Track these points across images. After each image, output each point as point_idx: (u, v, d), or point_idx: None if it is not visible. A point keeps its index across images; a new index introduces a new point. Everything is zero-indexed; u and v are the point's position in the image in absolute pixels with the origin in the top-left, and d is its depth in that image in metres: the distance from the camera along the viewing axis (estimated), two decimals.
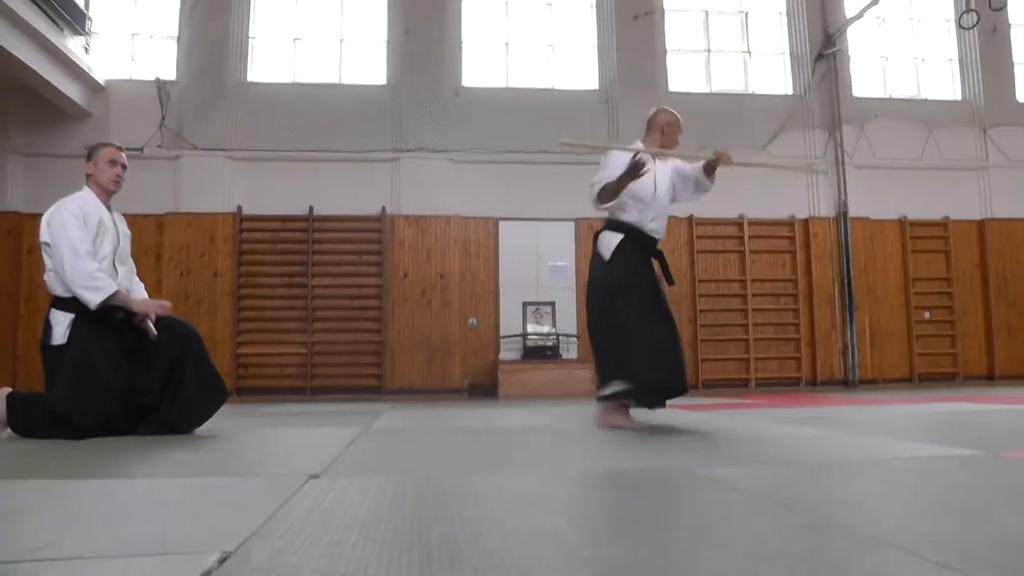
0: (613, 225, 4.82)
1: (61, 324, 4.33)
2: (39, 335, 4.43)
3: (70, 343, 4.30)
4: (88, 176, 4.62)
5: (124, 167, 4.68)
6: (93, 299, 4.29)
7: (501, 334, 12.25)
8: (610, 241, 4.77)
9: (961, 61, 14.16)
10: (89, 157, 4.62)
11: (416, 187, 12.33)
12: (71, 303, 4.35)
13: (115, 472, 3.14)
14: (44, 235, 4.36)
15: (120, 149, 4.68)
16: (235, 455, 3.67)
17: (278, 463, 3.42)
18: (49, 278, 4.40)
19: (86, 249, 4.34)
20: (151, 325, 4.47)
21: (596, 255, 4.83)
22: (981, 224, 13.52)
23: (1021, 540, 1.66)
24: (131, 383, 4.42)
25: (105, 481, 2.82)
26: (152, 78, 12.06)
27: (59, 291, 4.37)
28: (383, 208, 12.20)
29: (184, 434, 4.44)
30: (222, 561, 1.52)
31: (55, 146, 11.81)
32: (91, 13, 11.90)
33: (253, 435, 4.51)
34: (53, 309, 4.39)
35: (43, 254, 4.40)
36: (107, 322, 4.40)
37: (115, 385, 4.34)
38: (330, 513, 2.02)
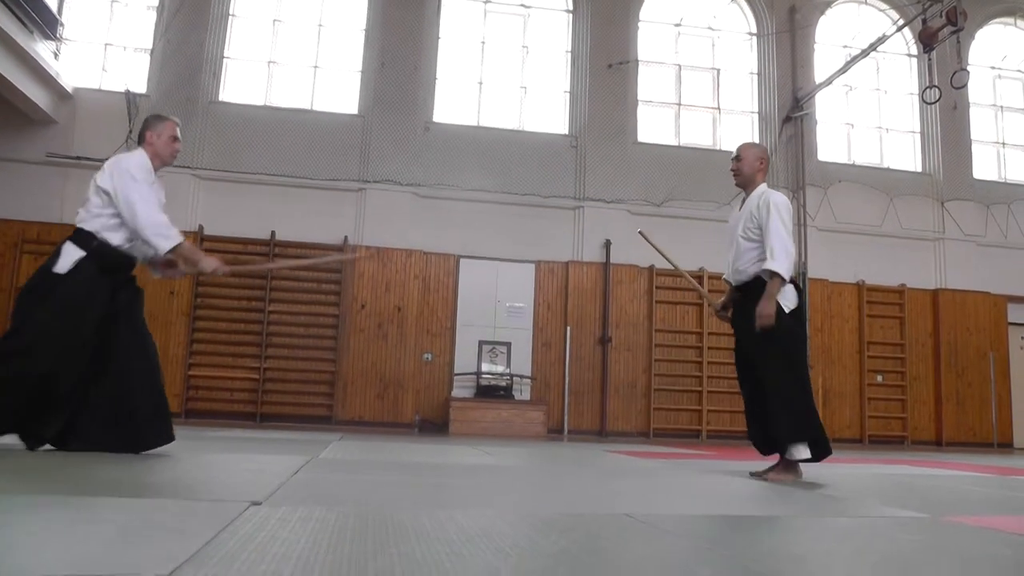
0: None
1: (71, 256, 4.41)
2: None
3: (71, 274, 4.37)
4: (147, 143, 4.76)
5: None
6: (164, 245, 4.45)
7: (455, 371, 12.18)
8: (789, 291, 4.75)
9: (923, 134, 14.53)
10: (151, 127, 4.79)
11: (380, 219, 12.30)
12: (88, 242, 4.44)
13: (49, 489, 3.05)
14: (103, 181, 4.48)
15: (178, 125, 4.89)
16: (177, 478, 3.59)
17: (220, 488, 3.34)
18: (85, 214, 4.49)
19: (157, 201, 4.55)
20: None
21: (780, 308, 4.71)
22: (935, 294, 13.79)
23: None
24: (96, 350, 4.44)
25: (36, 497, 2.73)
26: (122, 89, 11.95)
27: (89, 226, 4.45)
28: (345, 238, 12.13)
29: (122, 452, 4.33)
30: None
31: (17, 151, 11.62)
32: (64, 19, 11.81)
33: (197, 458, 4.41)
34: (69, 242, 4.46)
35: (92, 194, 4.51)
36: (114, 276, 4.53)
37: (87, 337, 4.38)
38: (268, 542, 1.98)
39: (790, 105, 13.81)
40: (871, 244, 13.70)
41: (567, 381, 12.30)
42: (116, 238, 4.48)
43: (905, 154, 14.55)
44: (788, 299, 4.70)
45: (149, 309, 11.50)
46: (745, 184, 5.03)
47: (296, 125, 12.41)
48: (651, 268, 12.73)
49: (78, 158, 11.59)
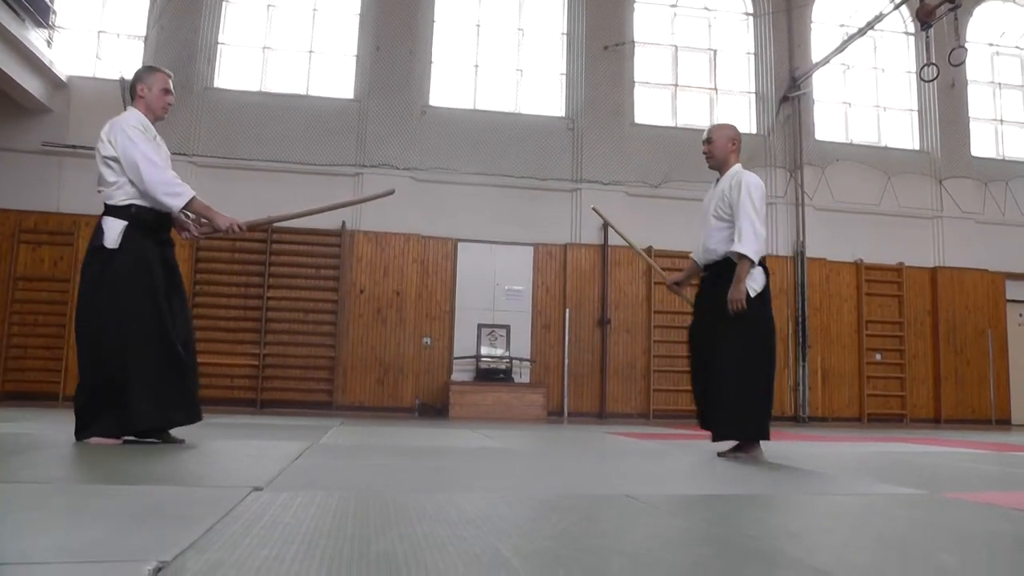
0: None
1: (114, 230, 4.39)
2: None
3: (123, 246, 4.37)
4: (138, 97, 4.70)
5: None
6: (176, 204, 4.44)
7: (455, 355, 12.20)
8: (757, 273, 4.69)
9: (920, 113, 14.50)
10: (141, 79, 4.71)
11: (377, 204, 12.24)
12: (125, 212, 4.42)
13: (51, 477, 3.06)
14: (106, 150, 4.43)
15: (170, 77, 4.81)
16: (178, 464, 3.59)
17: (221, 474, 3.35)
18: (108, 190, 4.45)
19: (160, 158, 4.51)
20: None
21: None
22: (934, 271, 13.79)
23: None
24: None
25: (39, 486, 2.74)
26: (116, 77, 11.88)
27: (119, 199, 4.43)
28: (343, 223, 12.13)
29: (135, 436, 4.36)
30: (157, 571, 1.48)
31: (12, 141, 11.59)
32: (56, 7, 11.73)
33: (198, 445, 4.42)
34: (106, 216, 4.45)
35: (103, 167, 4.45)
36: (156, 235, 4.54)
37: (159, 286, 4.42)
38: (271, 527, 1.98)
39: (787, 85, 13.77)
40: (869, 223, 13.70)
41: (566, 363, 12.32)
42: (148, 201, 4.46)
43: (903, 132, 14.53)
44: (756, 281, 4.64)
45: None
46: (718, 166, 4.99)
47: (292, 111, 12.36)
48: (649, 249, 12.72)
49: (74, 147, 11.56)
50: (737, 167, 4.93)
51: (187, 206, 4.48)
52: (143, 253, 4.41)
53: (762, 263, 4.70)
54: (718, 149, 4.97)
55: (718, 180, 4.98)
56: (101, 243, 4.38)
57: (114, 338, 4.27)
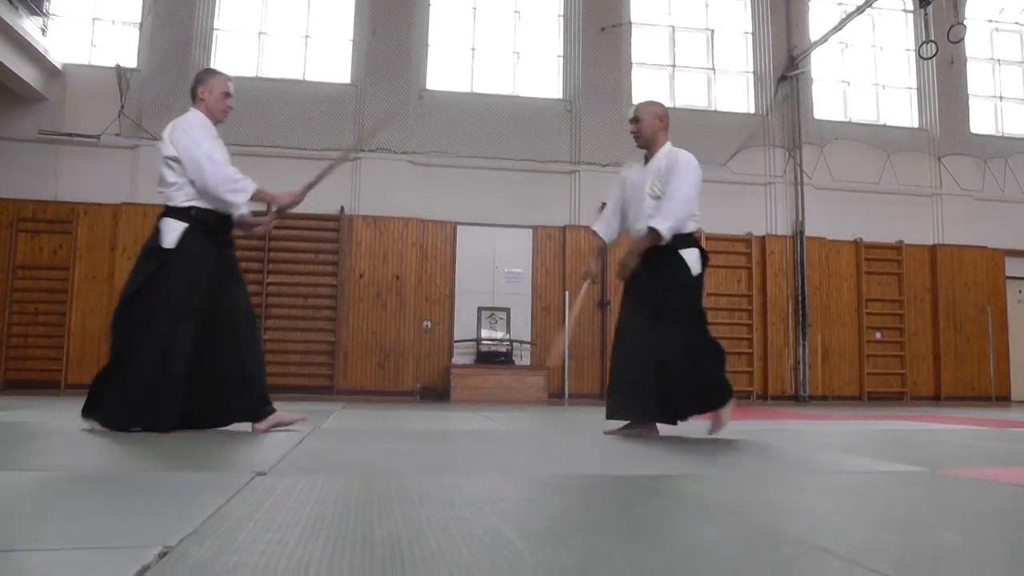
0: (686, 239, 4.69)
1: (174, 231, 4.39)
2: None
3: (181, 247, 4.37)
4: (199, 100, 4.68)
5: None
6: (239, 200, 4.48)
7: (455, 339, 12.22)
8: (693, 255, 4.67)
9: (919, 90, 14.44)
10: (202, 82, 4.70)
11: (376, 188, 12.27)
12: (185, 214, 4.41)
13: (54, 465, 3.07)
14: (168, 150, 4.42)
15: (230, 80, 4.80)
16: (181, 450, 3.61)
17: (224, 459, 3.37)
18: (169, 191, 4.45)
19: (222, 156, 4.51)
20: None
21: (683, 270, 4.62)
22: (933, 249, 13.79)
23: (956, 553, 1.68)
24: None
25: (45, 474, 2.76)
26: (112, 64, 11.84)
27: (179, 200, 4.42)
28: (342, 208, 12.12)
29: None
30: (162, 556, 1.48)
31: (8, 130, 11.56)
32: None
33: (200, 431, 4.43)
34: (165, 218, 4.44)
35: (164, 168, 4.45)
36: (217, 239, 4.54)
37: (201, 304, 4.39)
38: (274, 511, 1.99)
39: (785, 64, 13.71)
40: (868, 201, 13.67)
41: (567, 346, 12.33)
42: (209, 202, 4.47)
43: (902, 110, 14.48)
44: (694, 262, 4.61)
45: None
46: (648, 145, 4.91)
47: (289, 96, 12.32)
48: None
49: (70, 135, 11.53)
50: (668, 145, 4.86)
51: (251, 198, 4.52)
52: (200, 253, 4.41)
53: (699, 246, 4.69)
54: (646, 127, 4.87)
55: (647, 159, 4.91)
56: (159, 244, 4.38)
57: (140, 334, 4.28)
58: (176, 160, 4.40)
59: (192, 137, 4.42)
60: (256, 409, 4.47)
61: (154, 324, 4.26)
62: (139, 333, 4.28)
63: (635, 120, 4.92)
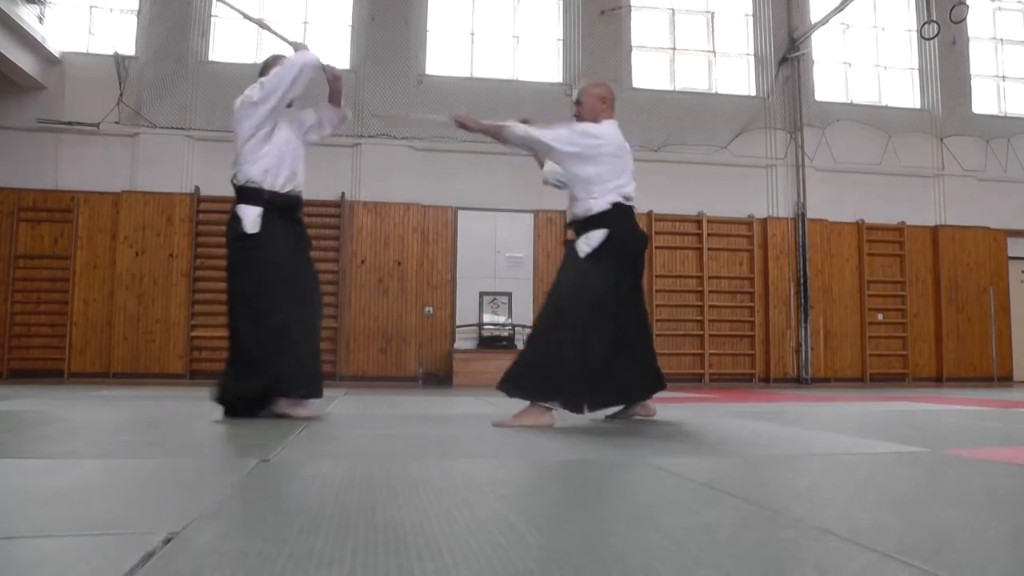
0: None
1: (250, 215, 4.48)
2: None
3: (263, 228, 4.45)
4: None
5: None
6: (309, 58, 4.88)
7: (457, 323, 12.23)
8: (596, 234, 4.66)
9: (921, 71, 14.39)
10: (271, 66, 4.93)
11: (376, 174, 12.26)
12: (259, 196, 4.51)
13: (60, 452, 3.08)
14: (241, 128, 4.66)
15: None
16: (185, 438, 3.62)
17: (228, 446, 3.39)
18: (242, 168, 4.60)
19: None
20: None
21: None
22: (935, 230, 13.77)
23: (958, 533, 1.69)
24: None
25: (51, 461, 2.77)
26: (110, 52, 11.81)
27: (251, 175, 4.55)
28: (342, 194, 12.11)
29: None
30: (167, 542, 1.49)
31: (7, 119, 11.54)
32: None
33: (204, 418, 4.44)
34: (240, 204, 4.54)
35: (240, 148, 4.65)
36: (291, 219, 4.64)
37: (302, 270, 4.58)
38: (277, 497, 2.00)
39: (786, 46, 13.65)
40: (870, 183, 13.65)
41: None
42: (281, 177, 4.56)
43: (903, 91, 14.43)
44: (591, 241, 4.59)
45: (149, 271, 11.60)
46: None
47: None
48: (650, 213, 12.70)
49: (70, 123, 11.51)
50: (610, 124, 4.86)
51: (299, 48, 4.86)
52: (283, 233, 4.50)
53: (609, 227, 4.65)
54: (586, 110, 4.85)
55: None
56: (242, 231, 4.44)
57: (260, 313, 4.38)
58: (247, 134, 4.59)
59: (250, 98, 4.65)
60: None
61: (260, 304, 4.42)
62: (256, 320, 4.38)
63: (577, 103, 4.92)
